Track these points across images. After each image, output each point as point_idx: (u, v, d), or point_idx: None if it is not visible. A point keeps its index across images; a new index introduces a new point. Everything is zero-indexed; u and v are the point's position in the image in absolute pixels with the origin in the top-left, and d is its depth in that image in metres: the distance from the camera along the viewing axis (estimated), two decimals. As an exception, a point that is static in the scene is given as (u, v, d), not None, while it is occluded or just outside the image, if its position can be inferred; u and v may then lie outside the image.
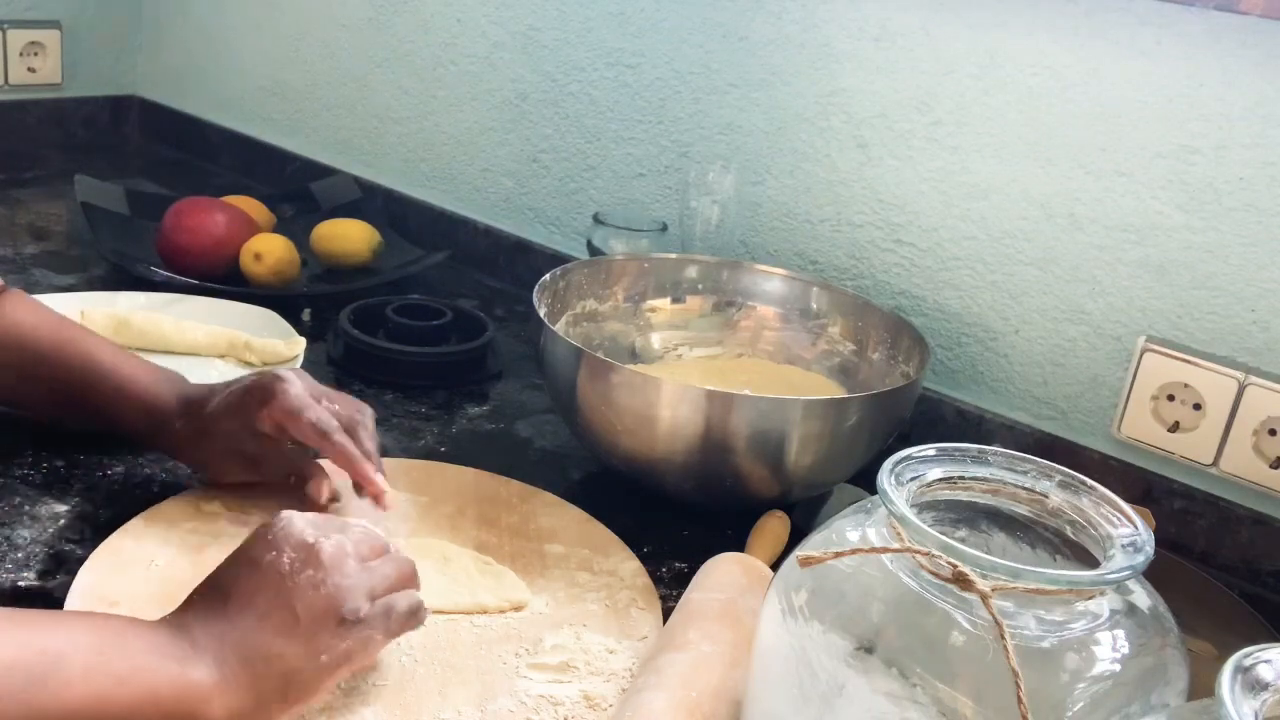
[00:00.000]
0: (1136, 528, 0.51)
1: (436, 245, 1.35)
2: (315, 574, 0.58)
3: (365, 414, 0.78)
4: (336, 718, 0.60)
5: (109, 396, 0.78)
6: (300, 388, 0.75)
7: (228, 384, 0.78)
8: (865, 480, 0.86)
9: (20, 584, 0.68)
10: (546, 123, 1.29)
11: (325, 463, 0.77)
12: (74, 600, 0.65)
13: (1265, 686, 0.39)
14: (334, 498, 0.77)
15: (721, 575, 0.72)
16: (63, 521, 0.75)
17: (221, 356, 1.00)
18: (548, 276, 0.96)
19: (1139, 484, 0.92)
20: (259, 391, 0.75)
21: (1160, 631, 0.50)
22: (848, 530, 0.54)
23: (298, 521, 0.61)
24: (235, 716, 0.55)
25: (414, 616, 0.61)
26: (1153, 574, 0.51)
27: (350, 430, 0.76)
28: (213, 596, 0.58)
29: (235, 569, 0.59)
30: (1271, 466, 0.85)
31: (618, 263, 1.04)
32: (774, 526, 0.82)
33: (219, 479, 0.78)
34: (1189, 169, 0.88)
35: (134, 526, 0.73)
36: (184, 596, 0.59)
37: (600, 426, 0.84)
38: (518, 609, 0.71)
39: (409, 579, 0.63)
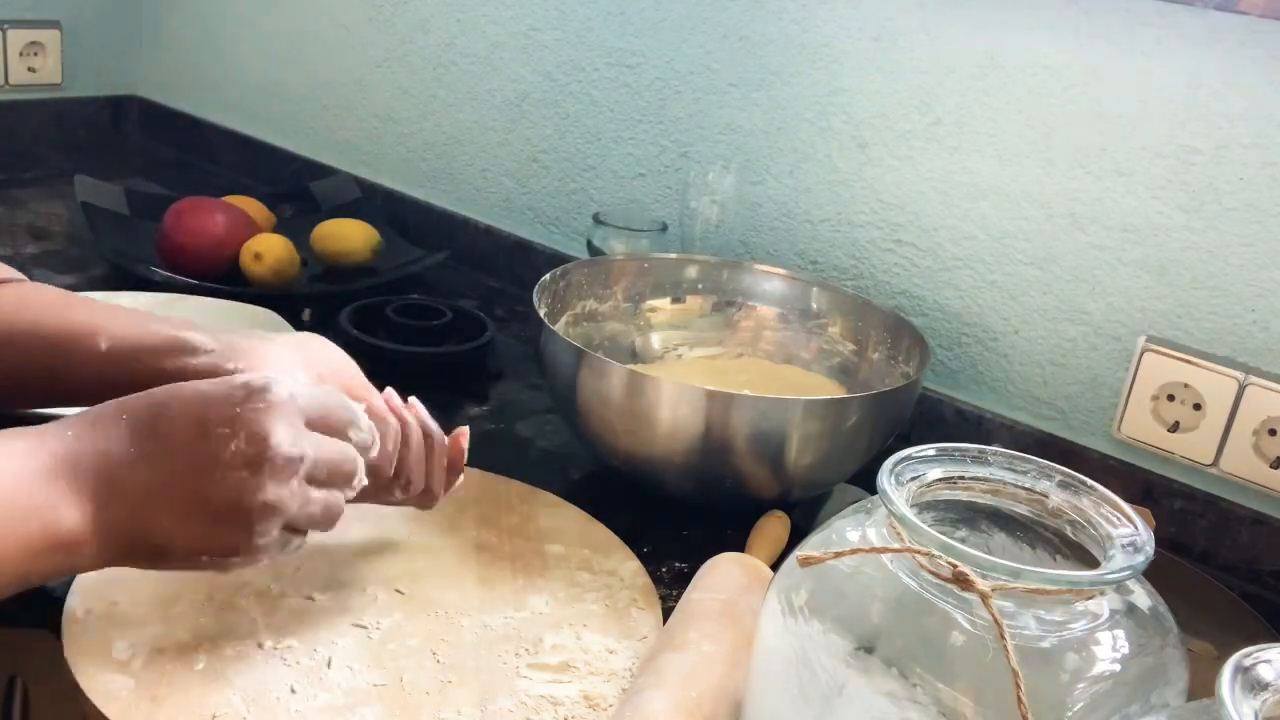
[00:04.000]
0: (1136, 528, 0.51)
1: (436, 245, 1.35)
2: (251, 478, 0.52)
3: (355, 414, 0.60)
4: (336, 717, 0.60)
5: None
6: (290, 409, 0.55)
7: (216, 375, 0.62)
8: (865, 480, 0.86)
9: (20, 584, 0.68)
10: (546, 123, 1.29)
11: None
12: (74, 600, 0.65)
13: (1265, 686, 0.39)
14: None
15: (721, 575, 0.72)
16: (63, 521, 0.75)
17: (221, 356, 1.00)
18: (547, 276, 0.96)
19: (1139, 484, 0.92)
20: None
21: (1160, 631, 0.50)
22: (848, 530, 0.54)
23: (279, 410, 0.52)
24: (105, 563, 0.53)
25: (326, 520, 0.57)
26: (1153, 574, 0.51)
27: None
28: (133, 428, 0.52)
29: (178, 414, 0.52)
30: (1271, 466, 0.85)
31: (618, 263, 1.04)
32: (774, 526, 0.82)
33: None
34: (1189, 169, 0.88)
35: (134, 526, 0.73)
36: (185, 595, 0.58)
37: (600, 426, 0.84)
38: None
39: (345, 474, 0.56)
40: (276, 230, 1.26)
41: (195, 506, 0.52)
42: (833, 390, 0.98)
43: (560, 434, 0.97)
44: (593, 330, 1.02)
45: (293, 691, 0.61)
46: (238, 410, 0.52)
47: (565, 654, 0.67)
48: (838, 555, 0.51)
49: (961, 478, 0.55)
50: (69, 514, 0.51)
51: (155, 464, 0.52)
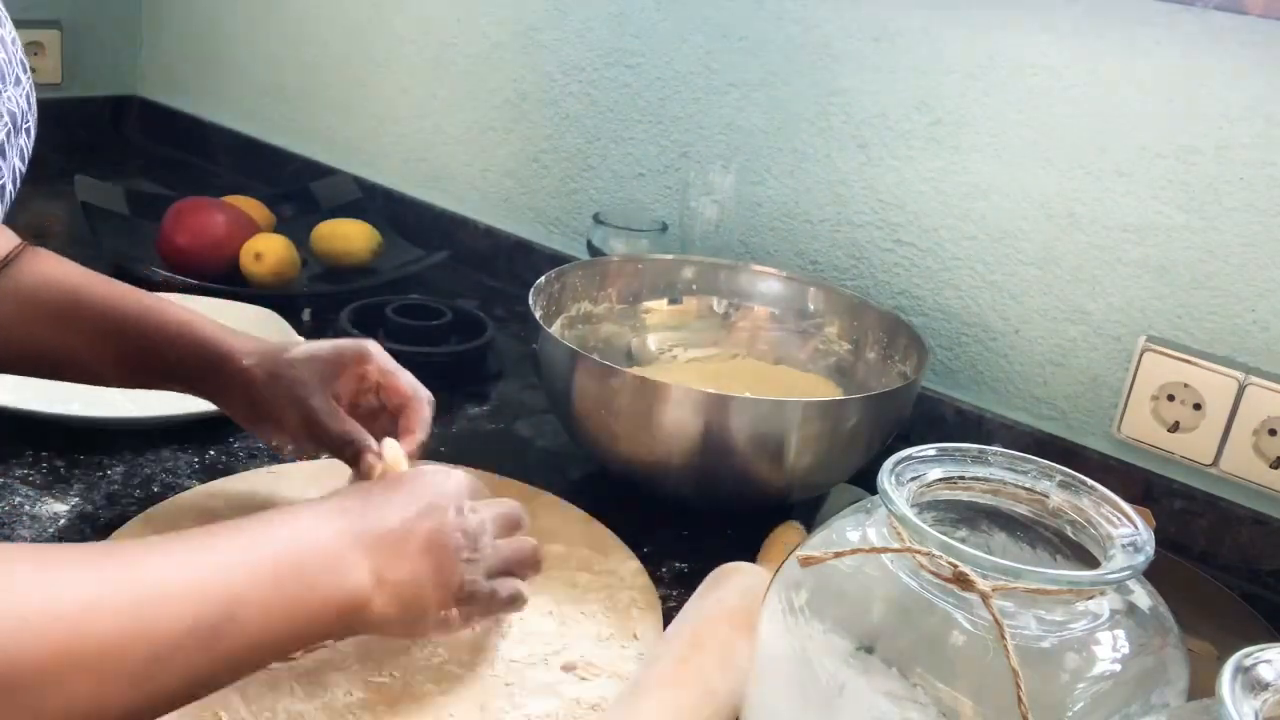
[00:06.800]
0: (1136, 528, 0.51)
1: (436, 245, 1.35)
2: (460, 540, 0.61)
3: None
4: (337, 718, 0.60)
5: (163, 333, 0.72)
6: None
7: (304, 341, 0.74)
8: (865, 480, 0.86)
9: (20, 584, 0.68)
10: (546, 123, 1.29)
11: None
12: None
13: (1265, 686, 0.39)
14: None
15: (728, 583, 0.72)
16: (63, 521, 0.75)
17: (221, 356, 1.00)
18: (543, 279, 0.95)
19: (1139, 484, 0.92)
20: (354, 349, 0.74)
21: (1160, 631, 0.50)
22: (848, 530, 0.54)
23: (453, 484, 0.63)
24: (385, 621, 0.58)
25: (512, 603, 0.64)
26: (1153, 574, 0.51)
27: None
28: (385, 511, 0.60)
29: (413, 504, 0.61)
30: (1271, 466, 0.85)
31: (614, 264, 1.04)
32: (790, 537, 0.81)
33: (273, 434, 0.73)
34: (1189, 169, 0.88)
35: (134, 527, 0.73)
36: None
37: (598, 430, 0.84)
38: None
39: (528, 562, 0.66)
40: (276, 230, 1.26)
41: (440, 568, 0.60)
42: (829, 390, 0.98)
43: (560, 434, 0.97)
44: (588, 332, 1.02)
45: (293, 691, 0.61)
46: (434, 497, 0.62)
47: (565, 654, 0.67)
48: (838, 555, 0.51)
49: (961, 478, 0.55)
50: (359, 574, 0.56)
51: (412, 547, 0.59)
